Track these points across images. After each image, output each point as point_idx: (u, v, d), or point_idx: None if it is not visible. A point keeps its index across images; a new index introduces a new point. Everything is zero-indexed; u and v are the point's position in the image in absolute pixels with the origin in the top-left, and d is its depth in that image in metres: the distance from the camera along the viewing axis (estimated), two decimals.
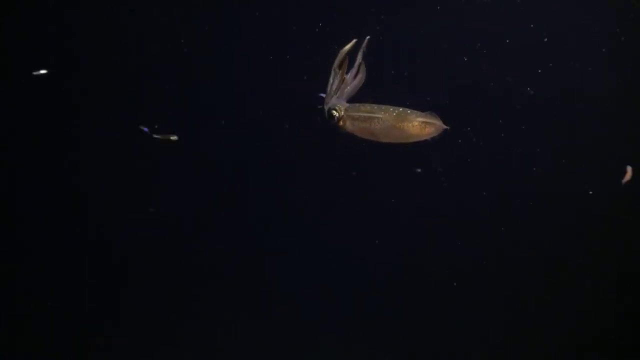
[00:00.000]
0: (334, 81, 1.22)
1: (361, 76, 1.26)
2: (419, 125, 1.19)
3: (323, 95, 1.24)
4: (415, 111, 1.21)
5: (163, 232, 2.10)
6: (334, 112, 1.20)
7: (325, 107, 1.22)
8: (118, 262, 2.13)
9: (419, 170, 1.92)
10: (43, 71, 1.85)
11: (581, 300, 2.04)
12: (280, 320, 2.16)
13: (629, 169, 1.52)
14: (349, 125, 1.21)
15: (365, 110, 1.21)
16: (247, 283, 2.14)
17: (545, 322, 2.07)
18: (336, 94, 1.21)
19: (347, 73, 1.23)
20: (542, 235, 2.02)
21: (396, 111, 1.19)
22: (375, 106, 1.21)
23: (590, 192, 1.94)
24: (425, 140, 1.22)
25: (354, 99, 1.26)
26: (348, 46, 1.21)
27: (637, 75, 1.88)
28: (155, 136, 1.88)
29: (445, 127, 1.21)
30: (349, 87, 1.24)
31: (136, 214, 2.10)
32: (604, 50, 1.87)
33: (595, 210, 1.97)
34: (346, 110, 1.21)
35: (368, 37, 1.23)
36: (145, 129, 1.88)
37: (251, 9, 1.96)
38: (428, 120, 1.20)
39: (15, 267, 2.12)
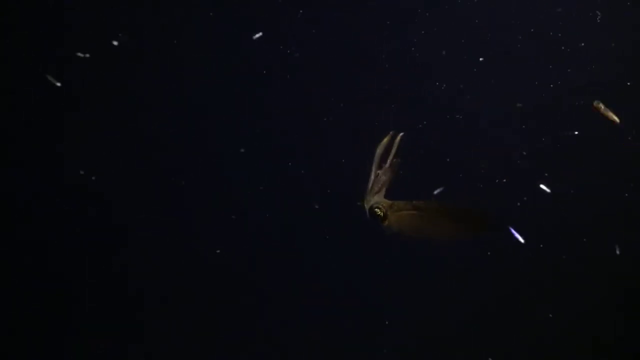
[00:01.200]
0: (375, 179, 1.12)
1: (391, 171, 1.16)
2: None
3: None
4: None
5: (163, 232, 2.10)
6: (377, 210, 1.11)
7: (366, 205, 1.13)
8: (118, 262, 2.13)
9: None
10: None
11: (581, 300, 2.04)
12: (280, 319, 2.16)
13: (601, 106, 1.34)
14: (394, 224, 1.11)
15: (411, 206, 1.11)
16: (245, 284, 2.14)
17: (545, 322, 2.08)
18: (378, 192, 1.12)
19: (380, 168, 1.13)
20: (542, 235, 2.02)
21: (443, 207, 1.11)
22: (422, 202, 1.12)
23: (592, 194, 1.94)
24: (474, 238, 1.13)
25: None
26: (385, 140, 1.13)
27: (637, 75, 1.89)
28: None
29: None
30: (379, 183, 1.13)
31: (136, 214, 2.10)
32: (604, 50, 1.88)
33: (595, 211, 1.97)
34: (390, 207, 1.11)
35: (402, 134, 1.16)
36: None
37: (251, 8, 1.96)
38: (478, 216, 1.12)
39: (15, 267, 2.12)
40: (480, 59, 1.91)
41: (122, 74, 2.01)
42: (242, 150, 2.04)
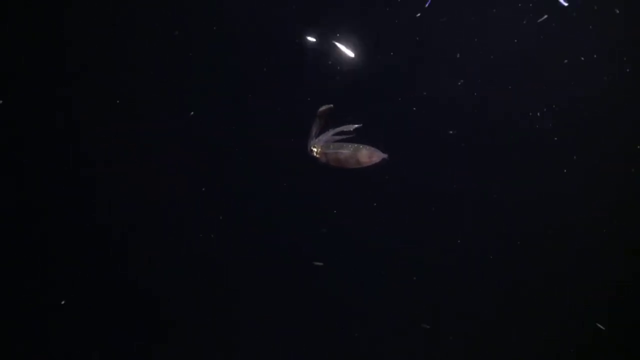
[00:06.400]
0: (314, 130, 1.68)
1: (321, 119, 1.68)
2: (368, 155, 1.64)
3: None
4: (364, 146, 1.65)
5: (162, 233, 2.10)
6: (314, 149, 1.69)
7: (308, 147, 1.69)
8: (117, 261, 2.14)
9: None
10: None
11: (580, 301, 2.05)
12: (279, 318, 2.16)
13: None
14: (323, 158, 1.68)
15: (333, 149, 1.66)
16: (244, 281, 2.14)
17: (544, 322, 2.08)
18: (316, 137, 1.69)
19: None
20: (541, 234, 2.02)
21: (352, 147, 1.65)
22: (342, 144, 1.66)
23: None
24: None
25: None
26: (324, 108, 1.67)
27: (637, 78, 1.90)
28: None
29: (384, 155, 1.63)
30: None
31: (136, 213, 2.10)
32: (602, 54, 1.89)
33: (594, 211, 1.98)
34: (322, 149, 1.68)
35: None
36: None
37: (245, 7, 1.97)
38: (372, 152, 1.64)
39: (17, 266, 2.12)
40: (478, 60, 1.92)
41: (120, 75, 2.02)
42: (239, 149, 2.05)
